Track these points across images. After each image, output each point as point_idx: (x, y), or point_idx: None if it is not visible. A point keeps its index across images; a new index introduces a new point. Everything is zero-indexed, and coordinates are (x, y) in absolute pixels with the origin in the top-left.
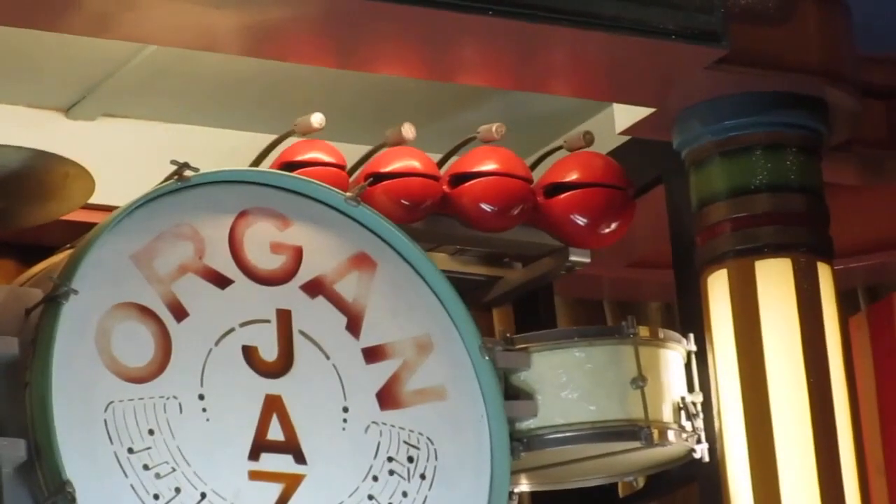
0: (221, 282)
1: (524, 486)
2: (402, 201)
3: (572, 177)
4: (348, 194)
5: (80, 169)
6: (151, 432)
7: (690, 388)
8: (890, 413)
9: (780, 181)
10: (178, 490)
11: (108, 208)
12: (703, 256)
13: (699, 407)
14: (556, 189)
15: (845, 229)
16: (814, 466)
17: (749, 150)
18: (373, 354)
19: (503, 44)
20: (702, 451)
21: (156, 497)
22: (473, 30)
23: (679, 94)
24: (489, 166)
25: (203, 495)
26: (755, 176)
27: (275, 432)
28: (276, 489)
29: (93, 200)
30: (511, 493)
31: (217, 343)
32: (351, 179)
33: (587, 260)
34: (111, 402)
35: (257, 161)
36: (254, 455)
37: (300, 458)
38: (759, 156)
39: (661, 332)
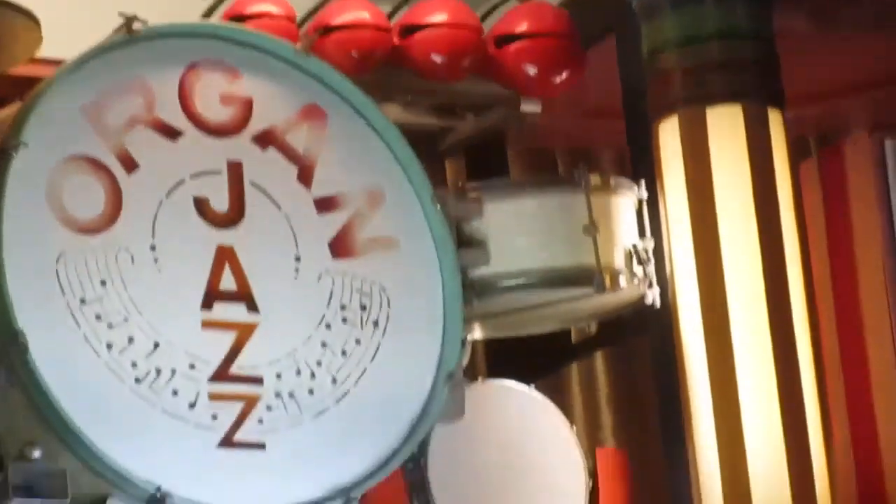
0: (171, 134)
1: (477, 333)
2: (352, 53)
3: (522, 27)
4: (297, 46)
5: (27, 21)
6: (104, 283)
7: (642, 235)
8: (839, 255)
9: (731, 29)
10: (130, 339)
11: (56, 62)
12: (654, 104)
13: (650, 253)
14: (506, 39)
15: (797, 77)
16: (764, 309)
17: None
18: (324, 205)
19: None
20: (653, 297)
21: (108, 347)
22: None
23: None
24: (439, 17)
25: (156, 344)
26: (706, 24)
27: (227, 282)
28: (229, 337)
29: (41, 54)
30: (464, 341)
31: (168, 195)
32: (301, 32)
33: (538, 109)
34: (63, 254)
35: (207, 14)
36: (206, 304)
37: (253, 307)
38: (710, 4)
39: (613, 180)
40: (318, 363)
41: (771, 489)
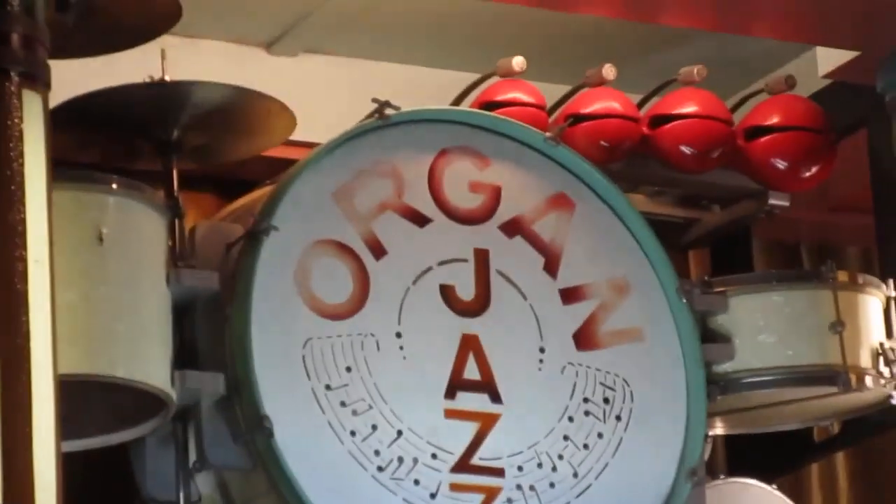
0: (420, 220)
1: (719, 429)
2: (602, 142)
3: (773, 120)
4: (548, 134)
5: (281, 106)
6: (349, 369)
7: (889, 334)
8: None
9: None
10: (374, 427)
11: (308, 145)
12: None
13: None
14: (756, 132)
15: None
16: None
17: None
18: (570, 295)
19: None
20: None
21: (352, 434)
22: None
23: (884, 36)
24: (690, 108)
25: (399, 433)
26: None
27: (471, 371)
28: (471, 428)
29: (293, 137)
30: (706, 436)
31: (415, 282)
32: (550, 120)
33: (786, 203)
34: (310, 339)
35: (457, 100)
36: (450, 394)
37: (496, 398)
38: None
39: (861, 277)
40: (560, 456)
41: None
